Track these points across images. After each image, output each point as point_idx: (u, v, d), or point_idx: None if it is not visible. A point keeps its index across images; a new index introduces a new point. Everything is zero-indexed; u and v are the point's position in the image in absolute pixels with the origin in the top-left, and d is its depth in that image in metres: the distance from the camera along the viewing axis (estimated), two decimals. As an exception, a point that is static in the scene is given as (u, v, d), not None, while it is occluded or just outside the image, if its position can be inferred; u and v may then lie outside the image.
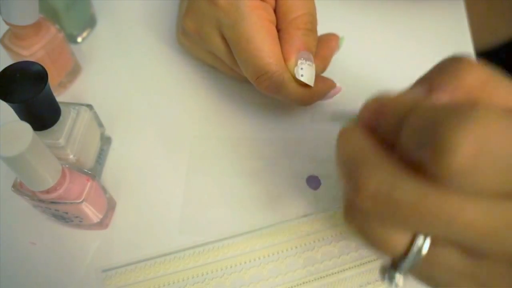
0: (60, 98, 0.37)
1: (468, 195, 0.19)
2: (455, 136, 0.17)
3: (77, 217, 0.31)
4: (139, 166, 0.37)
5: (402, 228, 0.21)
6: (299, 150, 0.37)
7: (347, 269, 0.32)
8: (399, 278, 0.23)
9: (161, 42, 0.43)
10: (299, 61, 0.32)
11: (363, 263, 0.33)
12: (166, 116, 0.39)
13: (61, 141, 0.31)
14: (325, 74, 0.36)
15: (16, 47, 0.35)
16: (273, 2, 0.33)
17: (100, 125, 0.36)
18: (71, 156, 0.31)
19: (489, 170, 0.17)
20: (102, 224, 0.33)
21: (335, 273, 0.32)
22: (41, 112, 0.29)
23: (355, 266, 0.32)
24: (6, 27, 0.34)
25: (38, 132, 0.30)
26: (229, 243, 0.33)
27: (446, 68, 0.21)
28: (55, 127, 0.30)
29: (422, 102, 0.20)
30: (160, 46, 0.43)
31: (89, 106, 0.33)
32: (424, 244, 0.21)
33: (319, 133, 0.38)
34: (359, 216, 0.22)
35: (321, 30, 0.35)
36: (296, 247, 0.33)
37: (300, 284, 0.32)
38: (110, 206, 0.34)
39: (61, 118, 0.31)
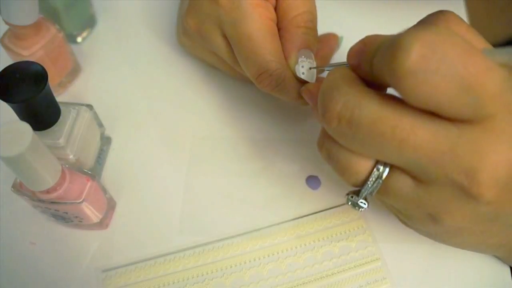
0: (60, 98, 0.37)
1: (420, 115, 0.20)
2: (407, 39, 0.19)
3: (77, 217, 0.31)
4: (139, 166, 0.37)
5: (364, 152, 0.23)
6: (299, 150, 0.37)
7: (347, 269, 0.32)
8: (361, 203, 0.25)
9: (161, 42, 0.43)
10: (300, 59, 0.32)
11: (363, 264, 0.33)
12: (166, 116, 0.39)
13: (61, 141, 0.31)
14: (324, 74, 0.36)
15: (16, 47, 0.35)
16: (274, 1, 0.33)
17: (100, 125, 0.36)
18: (71, 156, 0.31)
19: (438, 75, 0.19)
20: (102, 224, 0.33)
21: (335, 273, 0.32)
22: (41, 112, 0.29)
23: (355, 267, 0.32)
24: (6, 27, 0.34)
25: (38, 132, 0.30)
26: (229, 243, 0.33)
27: (429, 17, 0.24)
28: (55, 127, 0.30)
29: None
30: (160, 46, 0.43)
31: (89, 106, 0.33)
32: (384, 170, 0.23)
33: (319, 133, 0.38)
34: (328, 141, 0.24)
35: (320, 30, 0.35)
36: (296, 247, 0.33)
37: (300, 284, 0.32)
38: (110, 206, 0.34)
39: (61, 118, 0.31)
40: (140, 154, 0.37)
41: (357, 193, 0.25)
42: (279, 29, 0.33)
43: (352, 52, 0.24)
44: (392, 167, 0.23)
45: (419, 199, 0.23)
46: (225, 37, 0.33)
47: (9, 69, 0.28)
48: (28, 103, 0.27)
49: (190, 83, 0.41)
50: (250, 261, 0.33)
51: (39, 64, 0.28)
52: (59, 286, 0.32)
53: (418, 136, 0.20)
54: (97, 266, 0.32)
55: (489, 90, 0.19)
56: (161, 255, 0.33)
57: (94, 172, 0.32)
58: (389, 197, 0.24)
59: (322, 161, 0.36)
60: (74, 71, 0.40)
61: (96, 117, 0.34)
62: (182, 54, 0.42)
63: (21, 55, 0.35)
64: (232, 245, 0.33)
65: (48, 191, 0.28)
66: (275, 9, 0.33)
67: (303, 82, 0.32)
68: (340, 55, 0.39)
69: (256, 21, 0.31)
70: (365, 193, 0.24)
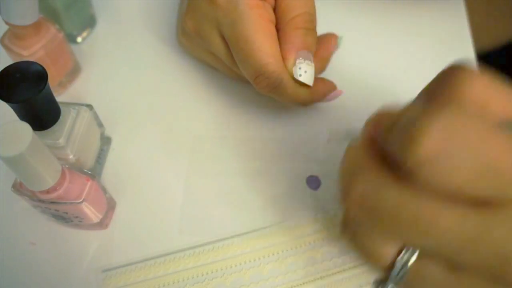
0: (60, 98, 0.37)
1: (443, 201, 0.19)
2: (421, 126, 0.18)
3: (77, 217, 0.31)
4: (139, 166, 0.37)
5: (388, 238, 0.21)
6: (299, 150, 0.37)
7: (347, 269, 0.32)
8: None
9: (161, 42, 0.43)
10: (298, 61, 0.31)
11: (363, 264, 0.32)
12: (166, 116, 0.39)
13: (61, 141, 0.31)
14: (324, 74, 0.36)
15: (16, 47, 0.35)
16: (272, 1, 0.33)
17: (100, 125, 0.36)
18: (71, 156, 0.31)
19: (455, 162, 0.18)
20: (102, 224, 0.33)
21: (335, 273, 0.32)
22: (41, 112, 0.29)
23: (355, 266, 0.32)
24: (6, 27, 0.34)
25: (38, 132, 0.30)
26: (229, 243, 0.33)
27: (445, 79, 0.21)
28: (55, 127, 0.30)
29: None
30: (160, 46, 0.43)
31: (89, 106, 0.33)
32: (411, 257, 0.21)
33: (319, 133, 0.38)
34: (350, 227, 0.23)
35: (320, 30, 0.35)
36: (296, 247, 0.33)
37: (300, 284, 0.32)
38: (110, 206, 0.34)
39: (61, 118, 0.31)
40: (140, 154, 0.37)
41: (384, 280, 0.23)
42: (278, 30, 0.33)
43: (369, 124, 0.23)
44: (421, 253, 0.22)
45: (449, 287, 0.21)
46: (223, 38, 0.33)
47: (9, 69, 0.28)
48: (28, 103, 0.27)
49: (190, 83, 0.41)
50: (250, 261, 0.33)
51: (39, 64, 0.28)
52: (59, 286, 0.32)
53: (443, 221, 0.19)
54: (97, 266, 0.32)
55: None
56: (161, 255, 0.33)
57: (94, 172, 0.32)
58: (420, 284, 0.22)
59: (322, 161, 0.36)
60: (74, 71, 0.40)
61: (96, 117, 0.34)
62: (182, 54, 0.42)
63: (21, 55, 0.35)
64: (232, 245, 0.33)
65: (48, 191, 0.28)
66: (274, 9, 0.33)
67: (301, 84, 0.32)
68: (340, 55, 0.39)
69: (254, 22, 0.31)
70: (393, 279, 0.22)
